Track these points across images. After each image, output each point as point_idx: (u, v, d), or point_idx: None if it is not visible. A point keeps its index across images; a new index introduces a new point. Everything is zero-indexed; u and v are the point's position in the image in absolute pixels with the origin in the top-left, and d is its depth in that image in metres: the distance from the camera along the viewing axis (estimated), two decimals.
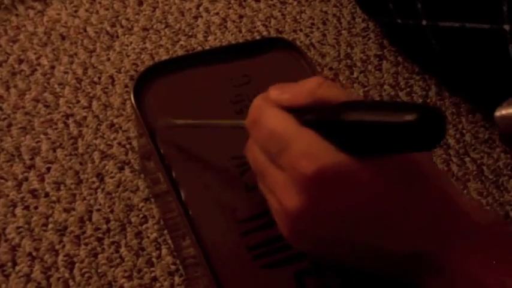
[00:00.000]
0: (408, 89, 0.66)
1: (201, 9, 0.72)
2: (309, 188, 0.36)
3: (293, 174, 0.36)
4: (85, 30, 0.68)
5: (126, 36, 0.68)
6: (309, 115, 0.38)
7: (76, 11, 0.70)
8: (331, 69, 0.67)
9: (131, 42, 0.68)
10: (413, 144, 0.34)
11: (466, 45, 0.57)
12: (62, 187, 0.56)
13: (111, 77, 0.64)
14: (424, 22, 0.59)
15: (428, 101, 0.65)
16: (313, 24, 0.71)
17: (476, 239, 0.36)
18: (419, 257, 0.37)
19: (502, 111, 0.51)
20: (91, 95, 0.63)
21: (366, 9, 0.70)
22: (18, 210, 0.54)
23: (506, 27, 0.52)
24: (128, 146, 0.59)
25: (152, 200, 0.55)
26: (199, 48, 0.68)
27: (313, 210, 0.36)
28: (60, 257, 0.52)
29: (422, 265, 0.37)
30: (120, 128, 0.60)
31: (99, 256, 0.52)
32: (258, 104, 0.40)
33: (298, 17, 0.72)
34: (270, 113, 0.39)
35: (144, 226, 0.54)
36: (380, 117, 0.34)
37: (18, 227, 0.53)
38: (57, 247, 0.52)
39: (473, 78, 0.64)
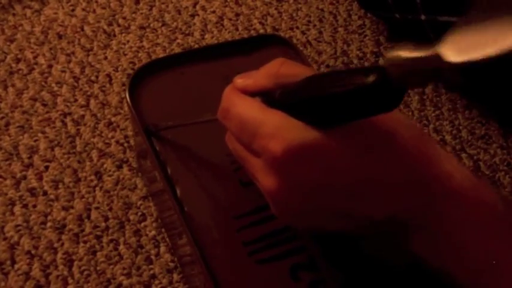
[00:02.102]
0: None
1: (197, 7, 0.72)
2: (280, 167, 0.36)
3: (266, 157, 0.37)
4: (82, 29, 0.69)
5: (123, 34, 0.68)
6: (273, 97, 0.39)
7: (73, 10, 0.70)
8: (327, 66, 0.67)
9: (128, 41, 0.68)
10: (377, 105, 0.34)
11: None
12: (60, 185, 0.56)
13: (108, 75, 0.65)
14: (422, 17, 0.59)
15: (425, 97, 0.65)
16: (309, 21, 0.72)
17: (457, 201, 0.36)
18: (397, 220, 0.37)
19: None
20: (88, 93, 0.63)
21: (364, 4, 0.70)
22: (17, 209, 0.55)
23: None
24: (125, 145, 0.59)
25: (150, 198, 0.56)
26: (196, 46, 0.68)
27: (289, 188, 0.37)
28: (59, 255, 0.52)
29: (401, 227, 0.37)
30: (118, 126, 0.60)
31: (98, 254, 0.52)
32: (226, 95, 0.42)
33: (294, 14, 0.72)
34: (237, 101, 0.40)
35: (142, 224, 0.54)
36: (341, 85, 0.35)
37: (16, 226, 0.54)
38: (55, 245, 0.53)
39: (469, 73, 0.64)
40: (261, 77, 0.41)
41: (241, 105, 0.40)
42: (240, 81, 0.41)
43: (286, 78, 0.39)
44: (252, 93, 0.40)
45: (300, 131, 0.36)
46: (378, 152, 0.37)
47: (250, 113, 0.39)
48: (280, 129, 0.37)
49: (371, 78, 0.33)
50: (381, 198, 0.37)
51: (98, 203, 0.55)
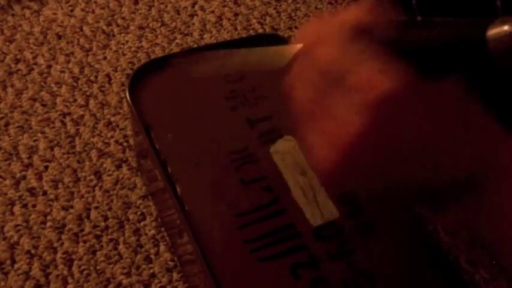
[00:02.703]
0: None
1: (196, 7, 0.72)
2: (381, 104, 0.32)
3: (365, 91, 0.33)
4: (81, 30, 0.69)
5: (122, 35, 0.68)
6: (378, 34, 0.35)
7: (72, 11, 0.70)
8: None
9: (127, 41, 0.68)
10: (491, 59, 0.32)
11: None
12: (60, 185, 0.56)
13: (107, 75, 0.65)
14: (418, 18, 0.60)
15: None
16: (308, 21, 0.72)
17: None
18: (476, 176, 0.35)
19: (496, 30, 0.49)
20: (88, 93, 0.63)
21: None
22: (17, 209, 0.55)
23: None
24: (125, 144, 0.59)
25: (150, 197, 0.56)
26: (195, 46, 0.68)
27: (379, 131, 0.33)
28: (59, 255, 0.52)
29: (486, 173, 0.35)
30: (117, 126, 0.61)
31: (98, 253, 0.52)
32: (316, 25, 0.37)
33: (293, 14, 0.72)
34: (336, 31, 0.36)
35: (142, 223, 0.54)
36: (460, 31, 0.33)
37: (16, 225, 0.53)
38: (55, 245, 0.53)
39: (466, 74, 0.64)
40: (359, 10, 0.36)
41: (342, 35, 0.35)
42: (335, 12, 0.37)
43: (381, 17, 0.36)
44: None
45: (411, 75, 0.33)
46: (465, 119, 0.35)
47: (353, 45, 0.34)
48: (391, 66, 0.33)
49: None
50: (464, 157, 0.34)
51: (98, 202, 0.55)
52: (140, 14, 0.71)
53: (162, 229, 0.53)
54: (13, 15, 0.69)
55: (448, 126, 0.35)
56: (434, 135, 0.34)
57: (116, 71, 0.65)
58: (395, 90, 0.32)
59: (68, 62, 0.66)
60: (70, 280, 0.51)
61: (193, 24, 0.70)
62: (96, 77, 0.64)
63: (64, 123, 0.61)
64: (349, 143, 0.34)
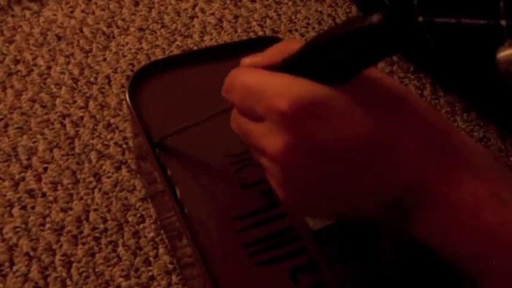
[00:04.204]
0: None
1: (196, 9, 0.72)
2: (289, 123, 0.34)
3: (272, 117, 0.35)
4: (81, 31, 0.69)
5: (122, 36, 0.68)
6: (277, 65, 0.38)
7: (72, 12, 0.70)
8: None
9: (127, 43, 0.68)
10: (383, 46, 0.33)
11: (462, 41, 0.58)
12: (59, 187, 0.56)
13: (107, 77, 0.65)
14: (420, 18, 0.59)
15: (423, 100, 0.66)
16: (308, 24, 0.72)
17: (475, 171, 0.35)
18: (412, 190, 0.35)
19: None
20: (87, 95, 0.63)
21: (362, 6, 0.70)
22: (15, 210, 0.54)
23: (503, 22, 0.52)
24: (124, 146, 0.59)
25: (149, 199, 0.55)
26: (196, 48, 0.68)
27: (298, 147, 0.34)
28: (58, 257, 0.52)
29: (415, 198, 0.35)
30: (117, 128, 0.60)
31: (97, 255, 0.52)
32: (231, 72, 0.40)
33: (293, 17, 0.72)
34: (241, 72, 0.39)
35: (141, 225, 0.54)
36: (345, 29, 0.34)
37: (15, 227, 0.53)
38: (54, 247, 0.53)
39: (468, 75, 0.64)
40: (268, 54, 0.39)
41: (245, 73, 0.38)
42: (247, 60, 0.40)
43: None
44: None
45: (308, 87, 0.34)
46: (391, 112, 0.35)
47: (254, 78, 0.37)
48: (287, 87, 0.35)
49: (375, 18, 0.32)
50: (394, 164, 0.34)
51: (97, 204, 0.55)
52: (140, 15, 0.71)
53: (162, 232, 0.53)
54: (13, 16, 0.69)
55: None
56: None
57: (116, 73, 0.65)
58: (294, 106, 0.34)
59: (68, 63, 0.66)
60: (69, 282, 0.51)
61: (194, 26, 0.70)
62: (96, 78, 0.64)
63: (63, 125, 0.60)
64: (279, 163, 0.36)
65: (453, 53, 0.61)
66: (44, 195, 0.56)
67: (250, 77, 0.37)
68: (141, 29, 0.69)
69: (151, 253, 0.52)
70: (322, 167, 0.35)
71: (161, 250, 0.53)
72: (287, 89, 0.34)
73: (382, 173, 0.35)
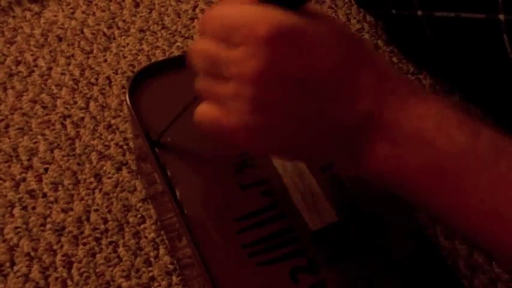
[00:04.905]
0: None
1: (197, 10, 0.72)
2: (266, 47, 0.36)
3: (249, 42, 0.36)
4: (82, 32, 0.69)
5: (123, 37, 0.69)
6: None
7: (73, 13, 0.70)
8: None
9: (128, 44, 0.68)
10: None
11: (461, 35, 0.58)
12: (60, 187, 0.56)
13: (108, 78, 0.65)
14: (419, 12, 0.59)
15: None
16: None
17: (416, 97, 0.37)
18: (365, 121, 0.37)
19: None
20: (88, 96, 0.63)
21: (360, 2, 0.70)
22: (16, 211, 0.55)
23: (501, 17, 0.52)
24: (125, 147, 0.59)
25: (149, 200, 0.56)
26: None
27: (274, 69, 0.36)
28: (58, 257, 0.52)
29: (367, 131, 0.37)
30: (118, 128, 0.61)
31: (97, 256, 0.52)
32: (207, 10, 0.41)
33: None
34: (219, 6, 0.39)
35: (141, 226, 0.54)
36: None
37: (16, 227, 0.54)
38: (55, 247, 0.53)
39: (467, 71, 0.64)
40: None
41: (223, 6, 0.39)
42: None
43: None
44: None
45: (285, 15, 0.37)
46: (352, 49, 0.38)
47: (233, 8, 0.38)
48: (266, 14, 0.37)
49: None
50: (351, 95, 0.37)
51: (97, 205, 0.55)
52: (141, 16, 0.71)
53: (162, 232, 0.54)
54: (14, 17, 0.69)
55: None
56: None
57: (117, 74, 0.65)
58: (270, 31, 0.36)
59: (69, 64, 0.66)
60: (69, 283, 0.51)
61: (194, 27, 0.70)
62: (96, 79, 0.65)
63: (64, 126, 0.61)
64: (251, 89, 0.37)
65: (452, 47, 0.61)
66: (44, 195, 0.56)
67: (229, 9, 0.39)
68: (141, 30, 0.69)
69: (151, 254, 0.53)
70: (292, 91, 0.37)
71: (162, 251, 0.53)
72: (265, 17, 0.37)
73: (342, 102, 0.37)
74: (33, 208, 0.55)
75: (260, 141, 0.39)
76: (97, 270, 0.52)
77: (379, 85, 0.37)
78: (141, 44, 0.68)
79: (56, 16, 0.70)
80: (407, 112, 0.36)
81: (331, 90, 0.37)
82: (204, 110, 0.41)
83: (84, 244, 0.53)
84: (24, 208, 0.55)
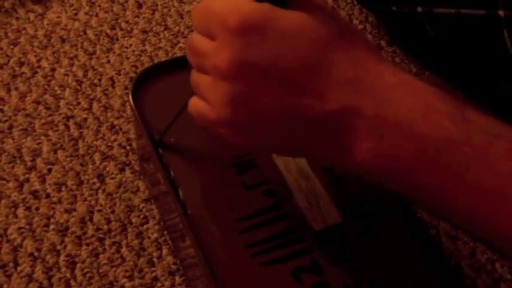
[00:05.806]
0: None
1: None
2: (236, 38, 0.36)
3: (222, 34, 0.37)
4: (85, 33, 0.69)
5: (126, 38, 0.69)
6: None
7: (76, 14, 0.71)
8: None
9: (131, 45, 0.68)
10: None
11: (461, 31, 0.58)
12: (63, 188, 0.56)
13: (111, 79, 0.65)
14: (419, 9, 0.60)
15: None
16: None
17: (400, 87, 0.36)
18: (346, 113, 0.36)
19: None
20: (91, 97, 0.63)
21: (364, 4, 0.71)
22: (20, 211, 0.55)
23: (501, 13, 0.52)
24: (128, 148, 0.59)
25: (152, 200, 0.56)
26: None
27: (244, 61, 0.36)
28: (62, 257, 0.52)
29: (350, 123, 0.36)
30: (121, 129, 0.61)
31: (101, 256, 0.52)
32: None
33: None
34: None
35: (145, 226, 0.54)
36: None
37: (19, 228, 0.54)
38: (58, 247, 0.53)
39: (468, 67, 0.64)
40: None
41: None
42: None
43: None
44: None
45: (257, 6, 0.37)
46: (332, 40, 0.37)
47: (213, 1, 0.39)
48: (238, 5, 0.37)
49: None
50: (338, 83, 0.36)
51: (101, 205, 0.55)
52: (144, 18, 0.71)
53: (165, 232, 0.54)
54: (17, 18, 0.70)
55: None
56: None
57: (120, 75, 0.65)
58: (242, 21, 0.36)
59: (72, 65, 0.66)
60: (73, 283, 0.51)
61: None
62: (99, 80, 0.65)
63: (67, 126, 0.61)
64: (221, 80, 0.37)
65: (452, 43, 0.61)
66: (48, 196, 0.56)
67: (211, 1, 0.39)
68: (144, 31, 0.70)
69: (154, 254, 0.53)
70: (264, 83, 0.37)
71: (165, 251, 0.53)
72: (237, 8, 0.37)
73: (313, 95, 0.37)
74: (37, 209, 0.55)
75: (240, 134, 0.39)
76: (100, 270, 0.52)
77: (356, 79, 0.36)
78: (144, 45, 0.68)
79: (59, 17, 0.70)
80: (390, 104, 0.36)
81: (302, 82, 0.37)
82: (193, 103, 0.42)
83: (88, 244, 0.53)
84: (28, 209, 0.55)
